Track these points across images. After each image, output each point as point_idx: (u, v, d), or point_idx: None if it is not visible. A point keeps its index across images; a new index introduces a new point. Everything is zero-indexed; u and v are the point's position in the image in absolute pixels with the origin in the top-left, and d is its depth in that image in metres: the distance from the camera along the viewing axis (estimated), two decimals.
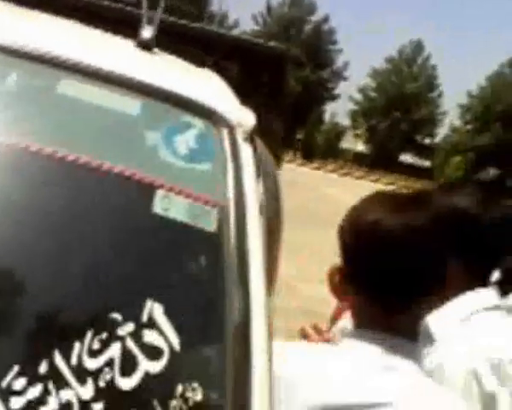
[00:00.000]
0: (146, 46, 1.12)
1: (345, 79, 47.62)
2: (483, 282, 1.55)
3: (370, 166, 38.84)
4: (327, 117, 41.78)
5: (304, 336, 2.21)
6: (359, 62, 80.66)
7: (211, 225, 0.92)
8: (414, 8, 76.57)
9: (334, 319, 1.99)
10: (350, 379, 1.06)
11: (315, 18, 47.10)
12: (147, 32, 1.12)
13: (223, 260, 0.91)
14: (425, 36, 68.18)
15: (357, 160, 41.12)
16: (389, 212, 1.13)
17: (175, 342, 0.82)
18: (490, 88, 45.89)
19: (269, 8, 47.51)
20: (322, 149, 36.55)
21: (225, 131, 1.07)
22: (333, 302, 1.61)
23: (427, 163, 43.81)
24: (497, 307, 1.53)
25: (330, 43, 47.37)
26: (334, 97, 47.87)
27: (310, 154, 35.76)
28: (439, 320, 1.33)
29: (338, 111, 56.58)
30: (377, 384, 1.03)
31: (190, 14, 38.48)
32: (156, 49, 1.21)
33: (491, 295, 1.54)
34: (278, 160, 12.36)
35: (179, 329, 0.83)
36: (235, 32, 44.17)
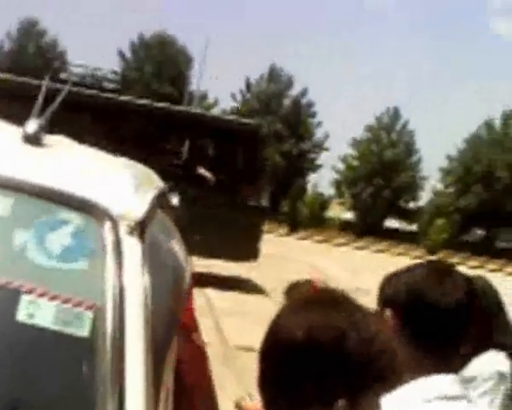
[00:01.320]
0: (31, 139, 1.07)
1: (326, 149, 48.31)
2: (442, 367, 1.49)
3: (357, 234, 38.97)
4: (310, 188, 42.18)
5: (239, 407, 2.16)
6: (339, 132, 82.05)
7: (83, 330, 0.84)
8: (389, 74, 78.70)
9: None
10: None
11: (293, 92, 48.15)
12: (31, 126, 1.08)
13: (95, 369, 0.81)
14: (401, 103, 69.71)
15: (344, 228, 41.26)
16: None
17: None
18: (469, 150, 46.72)
19: (248, 85, 48.54)
20: (307, 220, 36.69)
21: (107, 226, 1.02)
22: None
23: (412, 227, 44.05)
24: (446, 398, 1.44)
25: (309, 115, 48.26)
26: (316, 168, 48.46)
27: (295, 225, 35.91)
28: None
29: (321, 181, 57.09)
30: None
31: (171, 96, 39.29)
32: (51, 141, 1.16)
33: (445, 383, 1.47)
34: (260, 232, 12.38)
35: None
36: (215, 110, 45.06)
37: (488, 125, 47.57)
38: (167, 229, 1.42)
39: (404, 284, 1.53)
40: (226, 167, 11.95)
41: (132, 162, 1.94)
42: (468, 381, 2.19)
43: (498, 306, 2.54)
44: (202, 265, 10.18)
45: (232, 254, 10.79)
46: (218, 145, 12.35)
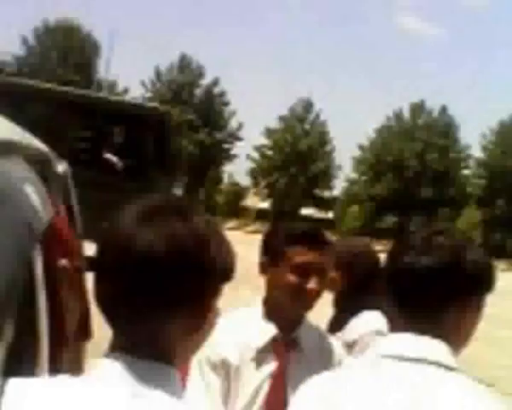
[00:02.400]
0: None
1: (240, 139, 47.88)
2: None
3: (273, 222, 38.81)
4: (225, 177, 41.62)
5: None
6: (254, 122, 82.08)
7: None
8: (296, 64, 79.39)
9: None
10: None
11: (205, 81, 47.40)
12: None
13: None
14: (312, 92, 70.39)
15: (260, 217, 41.17)
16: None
17: None
18: (379, 140, 47.65)
19: (158, 74, 47.42)
20: (223, 209, 36.19)
21: None
22: None
23: (328, 215, 44.52)
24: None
25: (223, 104, 47.67)
26: (231, 158, 47.97)
27: (211, 214, 35.26)
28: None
29: (237, 171, 56.83)
30: None
31: (77, 83, 37.65)
32: None
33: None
34: None
35: None
36: (126, 98, 43.63)
37: (397, 116, 48.69)
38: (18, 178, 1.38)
39: None
40: (134, 153, 11.23)
41: None
42: (351, 345, 2.45)
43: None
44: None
45: None
46: (125, 130, 11.64)
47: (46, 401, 1.02)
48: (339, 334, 2.51)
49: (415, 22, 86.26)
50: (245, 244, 23.42)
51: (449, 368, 1.31)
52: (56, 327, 2.01)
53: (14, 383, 1.03)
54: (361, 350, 2.32)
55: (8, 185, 1.25)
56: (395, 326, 1.41)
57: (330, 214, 44.24)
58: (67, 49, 45.04)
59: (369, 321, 2.48)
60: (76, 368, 2.62)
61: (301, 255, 1.95)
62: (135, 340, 1.05)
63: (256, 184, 46.99)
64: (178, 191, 44.39)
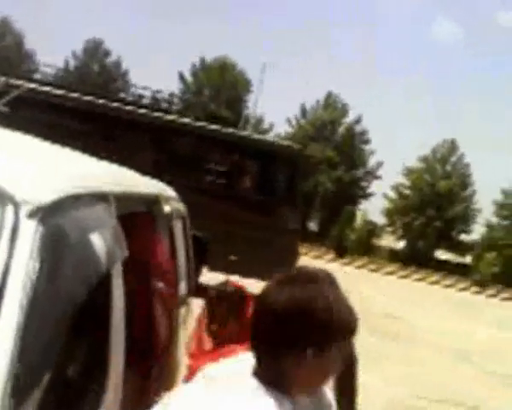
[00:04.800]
0: None
1: (378, 177, 48.13)
2: None
3: (404, 263, 38.56)
4: (359, 215, 42.02)
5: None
6: (392, 161, 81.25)
7: None
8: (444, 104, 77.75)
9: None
10: None
11: (348, 119, 48.25)
12: None
13: None
14: (456, 134, 68.81)
15: (393, 257, 40.93)
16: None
17: None
18: None
19: (303, 111, 48.87)
20: (354, 246, 36.57)
21: (9, 208, 1.14)
22: None
23: (464, 259, 43.29)
24: None
25: (363, 143, 48.23)
26: (367, 196, 48.33)
27: (342, 250, 35.86)
28: None
29: (372, 209, 56.75)
30: None
31: (227, 119, 40.00)
32: None
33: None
34: (296, 253, 12.57)
35: None
36: (270, 134, 45.57)
37: None
38: (90, 223, 1.48)
39: None
40: (267, 189, 12.14)
41: (73, 156, 2.13)
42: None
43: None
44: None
45: (266, 275, 10.77)
46: (259, 166, 12.50)
47: None
48: None
49: None
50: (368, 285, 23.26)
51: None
52: (148, 340, 2.49)
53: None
54: None
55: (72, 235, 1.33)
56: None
57: (468, 259, 42.94)
58: (221, 85, 47.85)
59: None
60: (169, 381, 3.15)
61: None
62: (270, 374, 1.43)
63: (391, 224, 46.87)
64: (314, 228, 45.23)
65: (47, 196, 1.22)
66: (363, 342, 2.66)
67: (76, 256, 1.30)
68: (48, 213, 1.18)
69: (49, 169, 1.45)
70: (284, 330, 1.41)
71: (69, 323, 1.29)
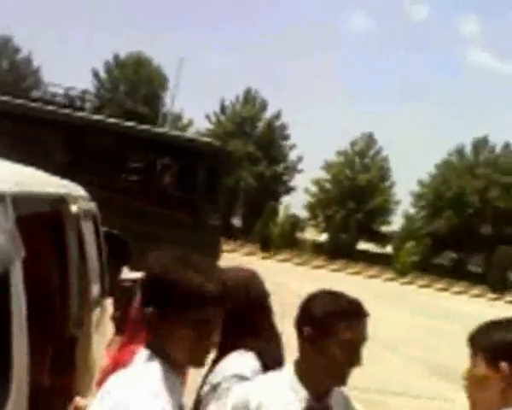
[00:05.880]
0: None
1: (299, 172, 48.55)
2: None
3: (328, 256, 39.10)
4: (282, 209, 42.19)
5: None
6: (313, 155, 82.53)
7: None
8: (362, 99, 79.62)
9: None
10: None
11: (267, 115, 48.41)
12: None
13: None
14: (375, 128, 70.44)
15: (317, 250, 41.43)
16: None
17: None
18: (440, 176, 47.32)
19: (222, 107, 48.69)
20: (278, 241, 36.70)
21: None
22: None
23: (387, 249, 44.39)
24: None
25: (283, 138, 48.52)
26: (289, 190, 48.64)
27: (266, 245, 35.92)
28: None
29: (295, 203, 57.30)
30: None
31: (144, 116, 39.27)
32: None
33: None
34: (218, 250, 12.33)
35: None
36: (190, 131, 45.06)
37: (459, 152, 48.32)
38: None
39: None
40: (186, 185, 11.92)
41: None
42: (215, 387, 2.22)
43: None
44: None
45: None
46: (180, 164, 12.30)
47: None
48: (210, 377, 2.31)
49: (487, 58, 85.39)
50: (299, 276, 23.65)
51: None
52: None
53: None
54: (218, 396, 2.20)
55: None
56: None
57: (388, 249, 44.04)
58: (136, 82, 46.90)
59: (234, 363, 2.25)
60: None
61: (350, 331, 1.97)
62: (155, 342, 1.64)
63: (314, 217, 47.39)
64: (237, 223, 45.31)
65: None
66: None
67: None
68: None
69: None
70: (165, 299, 1.60)
71: None
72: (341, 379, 2.01)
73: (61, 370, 3.17)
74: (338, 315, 1.97)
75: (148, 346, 1.65)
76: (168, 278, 1.58)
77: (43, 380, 2.88)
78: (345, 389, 2.15)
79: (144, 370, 1.60)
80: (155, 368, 1.59)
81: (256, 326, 2.32)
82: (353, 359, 1.98)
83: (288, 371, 2.09)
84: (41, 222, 2.98)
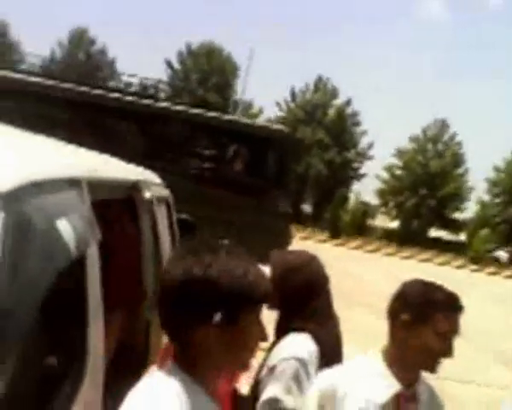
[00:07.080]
0: None
1: (370, 158, 47.98)
2: None
3: (400, 243, 38.35)
4: (352, 196, 41.88)
5: None
6: (384, 141, 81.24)
7: None
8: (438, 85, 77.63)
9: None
10: None
11: (338, 101, 48.00)
12: None
13: None
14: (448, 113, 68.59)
15: (388, 237, 40.81)
16: None
17: None
18: None
19: (293, 95, 48.59)
20: (348, 227, 36.39)
21: None
22: None
23: (459, 237, 43.30)
24: None
25: (354, 124, 48.02)
26: (359, 177, 48.19)
27: (336, 232, 35.63)
28: None
29: (365, 190, 56.76)
30: None
31: (216, 104, 39.72)
32: None
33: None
34: (287, 236, 12.43)
35: None
36: (260, 118, 45.28)
37: None
38: (58, 209, 1.49)
39: None
40: (257, 172, 12.04)
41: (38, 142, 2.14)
42: (271, 369, 2.26)
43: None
44: None
45: (258, 258, 10.63)
46: (250, 150, 12.41)
47: None
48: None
49: None
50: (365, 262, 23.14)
51: None
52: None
53: None
54: (275, 377, 2.23)
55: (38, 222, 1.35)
56: None
57: (462, 236, 42.93)
58: (208, 71, 47.49)
59: (290, 345, 2.29)
60: None
61: (446, 322, 2.02)
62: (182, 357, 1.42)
63: (384, 204, 46.76)
64: (308, 210, 45.23)
65: (8, 184, 1.24)
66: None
67: (41, 242, 1.32)
68: (10, 201, 1.20)
69: (13, 157, 1.48)
70: (184, 303, 1.37)
71: (37, 311, 1.29)
72: (433, 367, 2.04)
73: (135, 355, 3.16)
74: (437, 305, 2.01)
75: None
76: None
77: (118, 364, 2.79)
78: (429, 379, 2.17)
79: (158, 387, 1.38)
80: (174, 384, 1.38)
81: (313, 309, 2.36)
82: (446, 349, 2.01)
83: (375, 357, 2.11)
84: (116, 207, 3.08)
